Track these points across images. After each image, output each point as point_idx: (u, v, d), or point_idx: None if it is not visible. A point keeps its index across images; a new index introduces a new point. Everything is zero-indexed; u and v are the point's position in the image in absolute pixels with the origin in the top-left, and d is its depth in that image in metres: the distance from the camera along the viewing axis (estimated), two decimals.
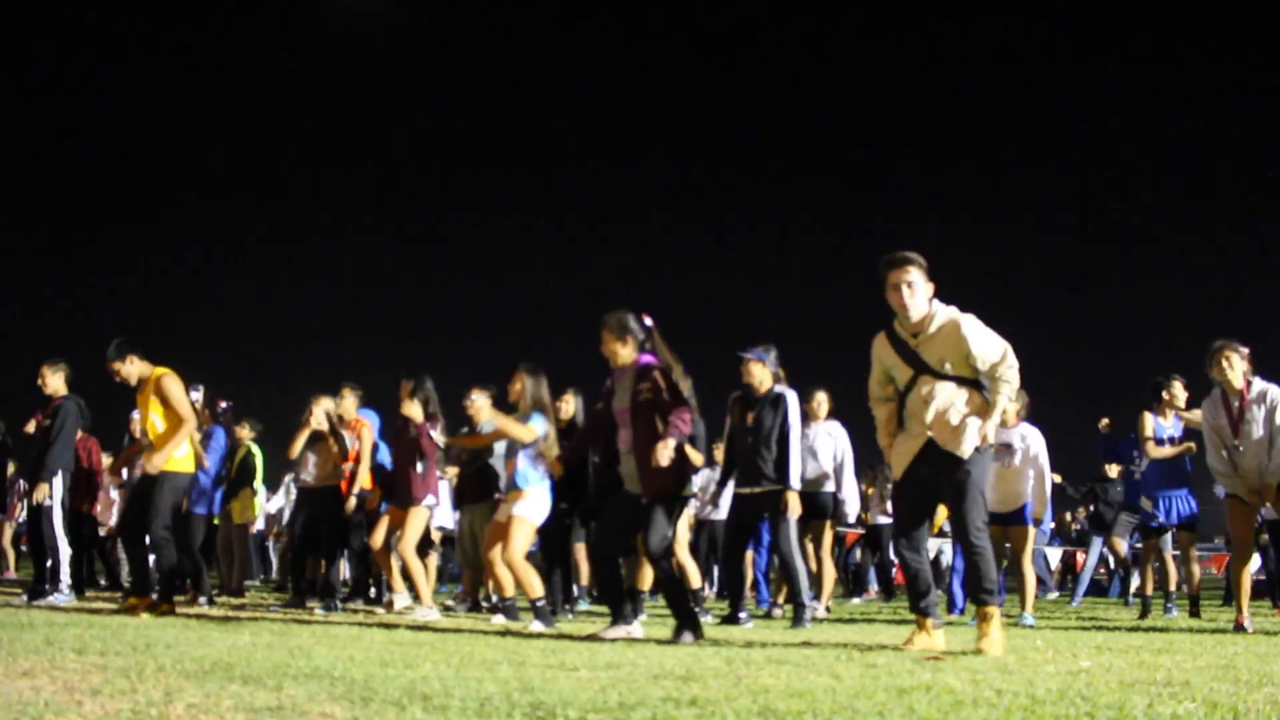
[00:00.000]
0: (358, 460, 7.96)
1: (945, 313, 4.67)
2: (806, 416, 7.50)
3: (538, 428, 6.35)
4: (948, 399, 4.62)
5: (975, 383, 4.66)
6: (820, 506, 7.66)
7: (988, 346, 4.64)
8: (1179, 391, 8.11)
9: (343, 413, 8.08)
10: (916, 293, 4.62)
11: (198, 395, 8.73)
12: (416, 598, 7.40)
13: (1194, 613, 8.18)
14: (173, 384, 6.56)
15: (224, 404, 8.86)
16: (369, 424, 8.17)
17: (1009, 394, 4.67)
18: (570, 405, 7.50)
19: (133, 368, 6.62)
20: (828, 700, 2.70)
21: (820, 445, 7.71)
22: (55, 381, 7.85)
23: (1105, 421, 10.81)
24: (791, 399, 6.68)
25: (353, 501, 7.88)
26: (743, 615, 6.71)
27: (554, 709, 2.49)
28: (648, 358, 5.33)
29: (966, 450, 4.60)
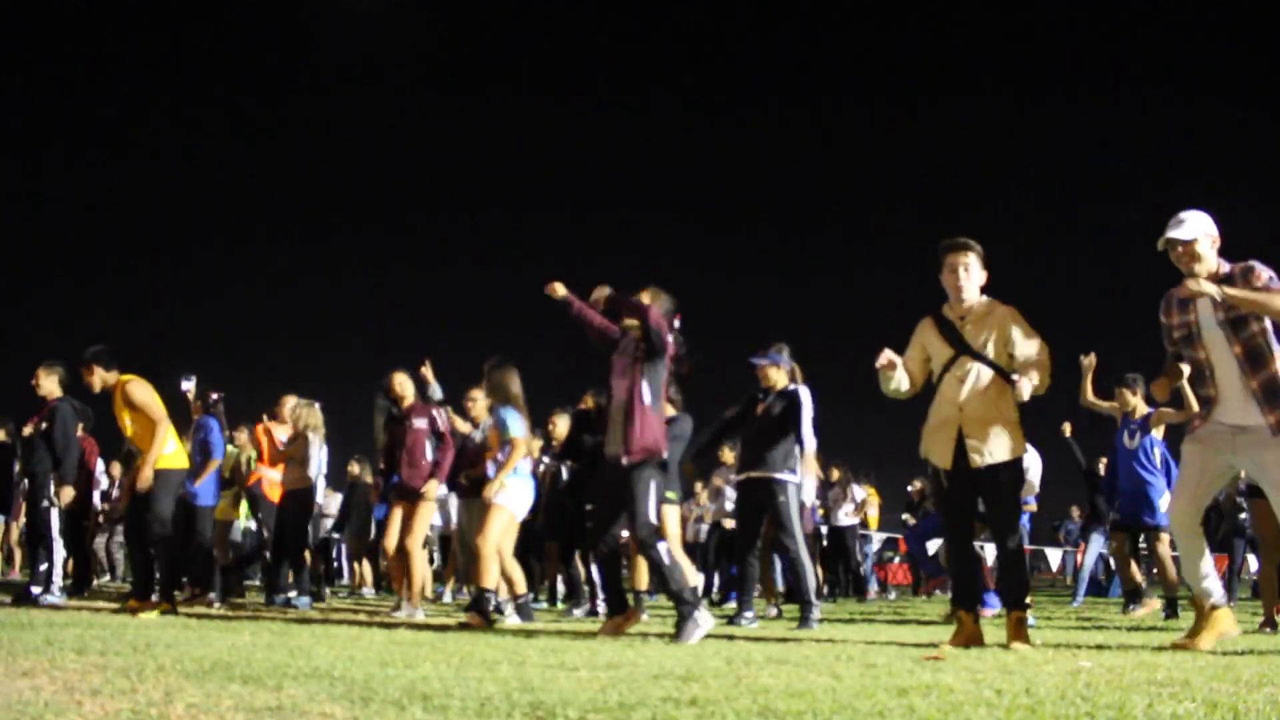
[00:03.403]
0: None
1: (994, 303, 4.92)
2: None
3: (516, 429, 6.37)
4: (980, 380, 4.76)
5: (1005, 373, 4.79)
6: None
7: (1030, 339, 4.82)
8: (1129, 397, 7.91)
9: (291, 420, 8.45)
10: (972, 276, 4.88)
11: (190, 385, 8.85)
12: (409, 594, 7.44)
13: (1170, 614, 8.00)
14: (136, 388, 6.69)
15: (215, 395, 8.93)
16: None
17: (1043, 373, 4.72)
18: (561, 427, 7.69)
19: (95, 378, 6.78)
20: (828, 700, 2.69)
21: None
22: (49, 384, 7.94)
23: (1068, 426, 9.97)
24: (804, 395, 6.68)
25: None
26: (748, 615, 6.72)
27: (554, 709, 2.48)
28: (655, 312, 5.29)
29: (1004, 453, 4.70)
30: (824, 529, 13.40)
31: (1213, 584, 4.74)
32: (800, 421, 6.60)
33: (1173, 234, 4.54)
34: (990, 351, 4.78)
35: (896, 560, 19.85)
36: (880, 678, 3.23)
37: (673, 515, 7.30)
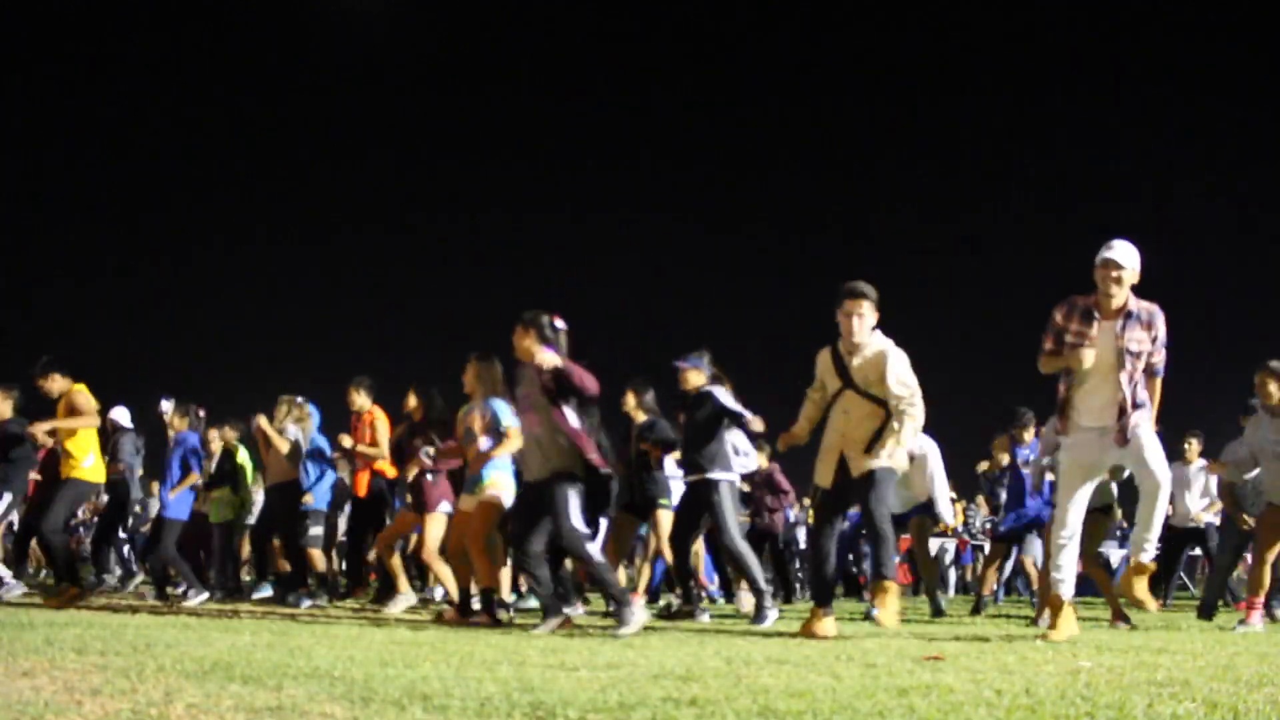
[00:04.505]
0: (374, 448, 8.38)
1: (880, 342, 5.48)
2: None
3: (510, 419, 6.40)
4: (861, 413, 5.40)
5: (886, 404, 5.39)
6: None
7: (902, 381, 5.42)
8: (1025, 434, 8.59)
9: (357, 408, 8.39)
10: (865, 323, 5.46)
11: (169, 405, 8.97)
12: (447, 596, 7.53)
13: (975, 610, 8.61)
14: (80, 396, 7.19)
15: (201, 411, 8.97)
16: (381, 413, 8.45)
17: (912, 428, 5.44)
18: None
19: (54, 384, 7.30)
20: (828, 700, 2.70)
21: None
22: (4, 408, 8.17)
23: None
24: (719, 391, 6.83)
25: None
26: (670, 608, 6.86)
27: (554, 709, 2.49)
28: (550, 351, 5.58)
29: (877, 464, 5.36)
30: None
31: (1068, 575, 5.40)
32: (727, 410, 6.75)
33: (1109, 255, 5.10)
34: (871, 387, 5.41)
35: (895, 560, 19.86)
36: (880, 678, 3.24)
37: (666, 519, 7.40)
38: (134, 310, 31.20)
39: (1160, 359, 5.18)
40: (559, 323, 5.73)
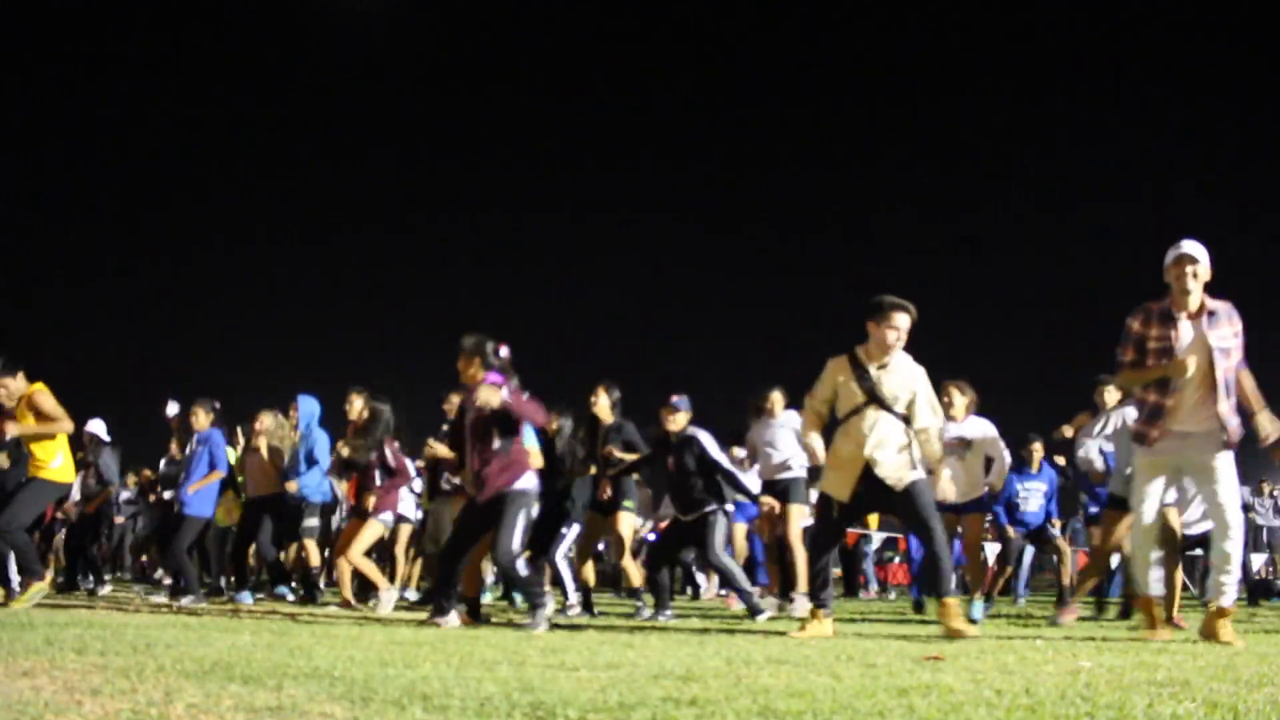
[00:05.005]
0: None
1: (908, 359, 5.36)
2: (762, 413, 8.11)
3: (531, 443, 6.56)
4: (888, 431, 5.23)
5: (907, 420, 5.31)
6: (781, 493, 7.95)
7: (934, 407, 5.38)
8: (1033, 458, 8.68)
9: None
10: (903, 340, 5.31)
11: (175, 409, 8.97)
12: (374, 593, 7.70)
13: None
14: (43, 397, 7.10)
15: (216, 404, 8.99)
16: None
17: (934, 447, 5.39)
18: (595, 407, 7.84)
19: (14, 385, 7.16)
20: (828, 700, 2.69)
21: (779, 437, 8.00)
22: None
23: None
24: (702, 436, 7.00)
25: None
26: (666, 614, 6.97)
27: (554, 709, 2.49)
28: (494, 377, 5.72)
29: (916, 476, 5.25)
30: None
31: (1157, 575, 5.31)
32: (718, 468, 6.94)
33: (1182, 251, 4.97)
34: (898, 405, 5.26)
35: (896, 560, 19.86)
36: (880, 678, 3.23)
37: (627, 521, 7.51)
38: (134, 310, 31.25)
39: (1241, 352, 5.06)
40: (504, 350, 5.85)
